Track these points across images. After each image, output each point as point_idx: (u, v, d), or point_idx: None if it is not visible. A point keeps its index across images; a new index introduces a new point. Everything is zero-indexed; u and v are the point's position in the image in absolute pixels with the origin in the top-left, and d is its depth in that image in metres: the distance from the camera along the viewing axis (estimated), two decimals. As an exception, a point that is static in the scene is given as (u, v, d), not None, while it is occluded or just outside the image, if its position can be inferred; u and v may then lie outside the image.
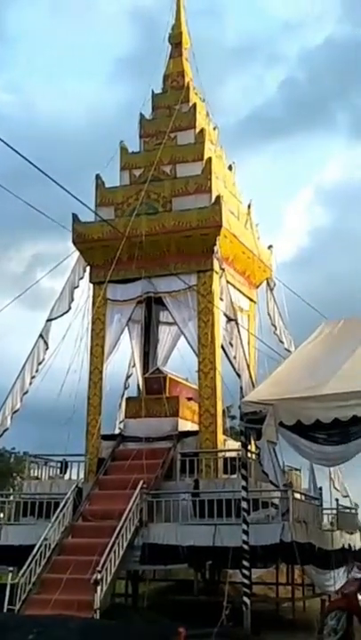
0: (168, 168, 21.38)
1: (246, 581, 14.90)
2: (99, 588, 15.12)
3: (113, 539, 16.28)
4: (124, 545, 16.64)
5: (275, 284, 23.09)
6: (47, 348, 21.06)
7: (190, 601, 18.42)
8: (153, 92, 23.32)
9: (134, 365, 23.18)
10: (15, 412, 20.73)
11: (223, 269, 20.14)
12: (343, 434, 14.02)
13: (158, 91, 23.44)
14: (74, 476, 20.27)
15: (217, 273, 20.14)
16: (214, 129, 23.27)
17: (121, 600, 19.14)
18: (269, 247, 23.35)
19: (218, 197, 20.25)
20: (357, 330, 16.66)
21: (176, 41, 23.80)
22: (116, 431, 21.50)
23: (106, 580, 15.60)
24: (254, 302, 23.04)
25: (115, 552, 16.21)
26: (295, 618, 17.35)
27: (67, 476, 20.54)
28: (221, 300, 20.03)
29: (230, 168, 23.09)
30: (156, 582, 20.50)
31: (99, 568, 15.30)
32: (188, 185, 20.86)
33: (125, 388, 23.55)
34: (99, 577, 15.15)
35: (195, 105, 22.48)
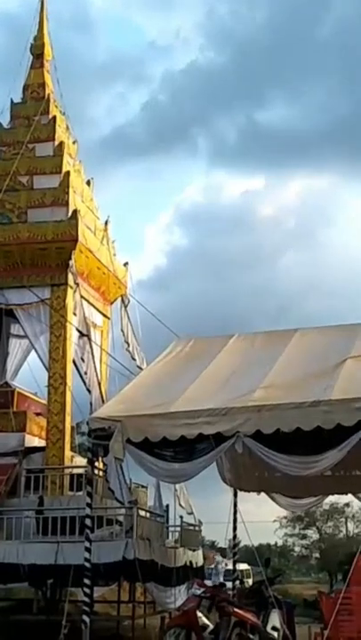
0: (25, 179, 21.07)
1: (87, 600, 14.73)
2: None
3: None
4: None
5: (129, 301, 23.13)
6: None
7: (30, 620, 18.01)
8: (12, 100, 22.96)
9: (-18, 378, 22.57)
10: None
11: (78, 284, 20.01)
12: (189, 451, 14.12)
13: (18, 100, 23.12)
14: None
15: (71, 287, 19.98)
16: (74, 143, 23.17)
17: None
18: (125, 264, 23.42)
19: (75, 211, 20.13)
20: (207, 349, 16.87)
21: (38, 52, 23.54)
22: None
23: None
24: (108, 318, 23.03)
25: None
26: (135, 635, 17.33)
27: None
28: (75, 314, 19.88)
29: (89, 183, 23.02)
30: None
31: None
32: (45, 197, 20.64)
33: (-29, 402, 22.82)
34: None
35: (54, 117, 22.32)
